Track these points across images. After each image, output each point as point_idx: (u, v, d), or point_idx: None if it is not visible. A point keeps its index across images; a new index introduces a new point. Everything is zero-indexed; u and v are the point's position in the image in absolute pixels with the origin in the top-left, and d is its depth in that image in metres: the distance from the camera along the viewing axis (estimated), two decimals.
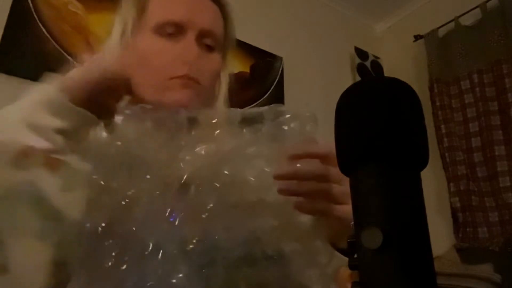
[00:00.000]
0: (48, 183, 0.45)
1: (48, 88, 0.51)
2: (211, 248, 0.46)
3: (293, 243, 0.51)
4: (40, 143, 0.47)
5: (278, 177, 0.50)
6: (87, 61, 0.54)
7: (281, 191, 0.50)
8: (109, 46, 0.69)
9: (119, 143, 0.49)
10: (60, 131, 0.50)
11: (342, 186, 0.50)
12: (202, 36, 0.67)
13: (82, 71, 0.53)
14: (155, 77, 0.65)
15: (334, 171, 0.50)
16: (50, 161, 0.46)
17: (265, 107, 0.53)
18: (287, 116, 0.53)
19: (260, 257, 0.48)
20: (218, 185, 0.49)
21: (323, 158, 0.51)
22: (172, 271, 0.43)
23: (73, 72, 0.53)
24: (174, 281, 0.43)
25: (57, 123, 0.49)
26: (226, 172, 0.49)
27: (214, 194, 0.48)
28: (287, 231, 0.51)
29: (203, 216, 0.47)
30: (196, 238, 0.46)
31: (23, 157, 0.44)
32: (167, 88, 0.64)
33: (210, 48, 0.69)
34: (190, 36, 0.66)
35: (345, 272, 0.49)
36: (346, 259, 0.47)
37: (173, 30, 0.66)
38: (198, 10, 0.68)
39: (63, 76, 0.53)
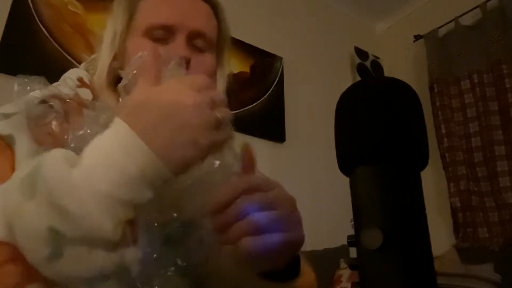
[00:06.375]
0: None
1: (143, 158, 0.42)
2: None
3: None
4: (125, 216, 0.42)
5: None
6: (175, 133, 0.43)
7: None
8: (101, 51, 0.69)
9: None
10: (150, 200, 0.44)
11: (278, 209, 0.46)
12: (192, 37, 0.67)
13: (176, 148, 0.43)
14: None
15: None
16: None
17: None
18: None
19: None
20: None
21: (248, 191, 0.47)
22: None
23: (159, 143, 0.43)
24: None
25: (151, 194, 0.43)
26: None
27: None
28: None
29: None
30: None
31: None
32: None
33: (200, 49, 0.68)
34: (180, 38, 0.65)
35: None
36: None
37: (162, 33, 0.65)
38: (188, 11, 0.67)
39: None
